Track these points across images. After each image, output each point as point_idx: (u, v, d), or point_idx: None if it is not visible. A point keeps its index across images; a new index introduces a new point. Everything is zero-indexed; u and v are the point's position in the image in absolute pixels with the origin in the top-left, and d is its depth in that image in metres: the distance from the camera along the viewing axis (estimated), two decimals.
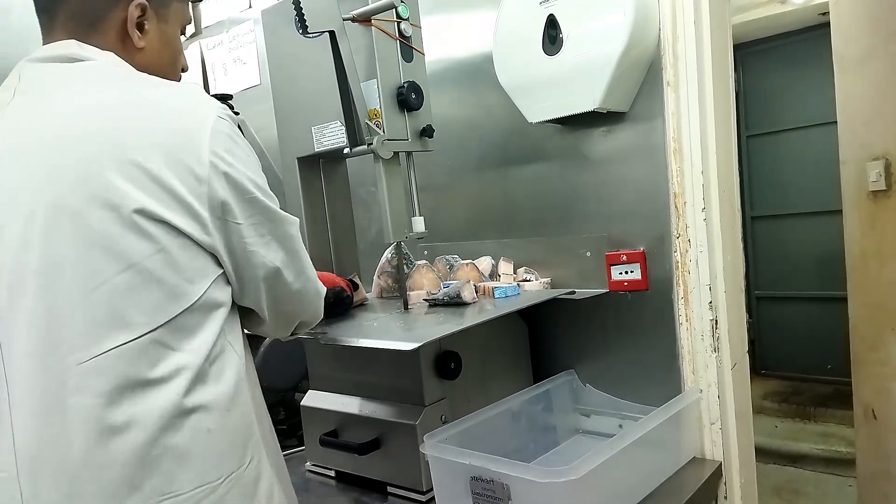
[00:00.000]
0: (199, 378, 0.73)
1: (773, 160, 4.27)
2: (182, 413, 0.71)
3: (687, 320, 1.30)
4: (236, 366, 0.78)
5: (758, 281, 4.43)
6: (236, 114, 1.90)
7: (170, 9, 0.88)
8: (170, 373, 0.71)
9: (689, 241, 1.28)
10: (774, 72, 4.19)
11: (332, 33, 1.16)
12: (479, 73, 1.55)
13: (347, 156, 1.26)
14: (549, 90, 1.33)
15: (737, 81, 4.36)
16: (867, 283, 2.04)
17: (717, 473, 1.27)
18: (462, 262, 1.50)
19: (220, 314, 0.76)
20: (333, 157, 1.45)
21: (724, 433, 1.28)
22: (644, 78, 1.32)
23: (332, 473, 1.39)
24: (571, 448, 1.43)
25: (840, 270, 2.19)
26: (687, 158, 1.26)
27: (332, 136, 1.33)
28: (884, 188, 1.91)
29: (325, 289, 0.96)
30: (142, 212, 0.69)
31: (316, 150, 1.36)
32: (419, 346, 1.02)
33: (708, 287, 1.27)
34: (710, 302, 1.27)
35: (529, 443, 1.38)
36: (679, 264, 1.30)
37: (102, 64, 0.79)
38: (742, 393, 1.33)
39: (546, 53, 1.32)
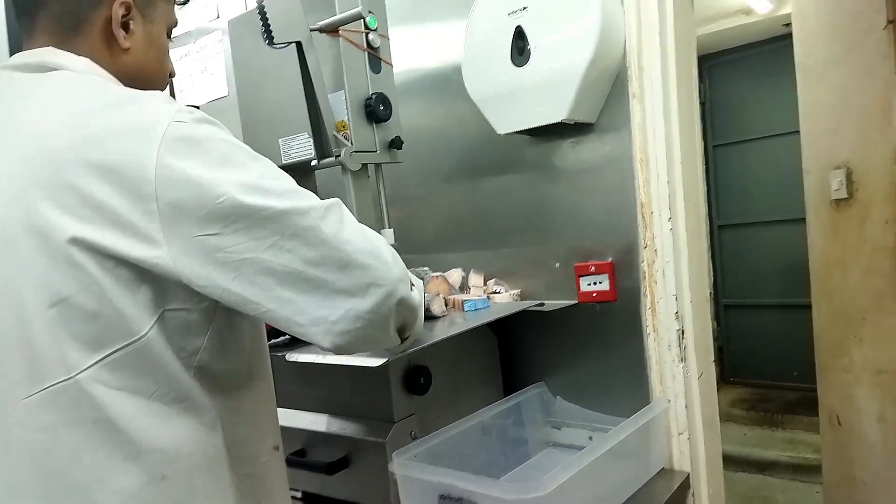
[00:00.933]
0: (150, 421, 0.68)
1: (739, 169, 4.35)
2: (130, 456, 0.67)
3: (654, 331, 1.31)
4: (199, 414, 0.72)
5: (725, 289, 4.50)
6: None
7: (156, 9, 0.84)
8: (116, 414, 0.67)
9: (655, 251, 1.29)
10: (740, 82, 4.28)
11: (298, 44, 1.15)
12: (449, 83, 1.54)
13: (315, 168, 1.25)
14: (517, 101, 1.34)
15: (703, 92, 4.47)
16: (830, 291, 2.08)
17: (685, 484, 1.27)
18: (432, 274, 1.49)
19: (179, 351, 0.70)
20: (302, 170, 1.43)
21: (692, 443, 1.29)
22: (611, 89, 1.33)
23: (300, 494, 1.36)
24: (542, 461, 1.42)
25: (805, 278, 2.23)
26: (653, 169, 1.28)
27: (300, 148, 1.31)
28: (845, 196, 1.96)
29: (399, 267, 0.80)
30: (76, 241, 0.64)
31: (283, 162, 1.34)
32: (385, 363, 1.00)
33: (674, 297, 1.28)
34: (677, 312, 1.28)
35: (500, 457, 1.37)
36: (646, 275, 1.31)
37: (68, 77, 0.75)
38: (709, 402, 1.34)
39: (514, 65, 1.32)
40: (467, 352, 1.39)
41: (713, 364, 1.39)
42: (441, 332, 1.21)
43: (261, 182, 0.70)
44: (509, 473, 1.36)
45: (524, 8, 1.29)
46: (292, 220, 0.70)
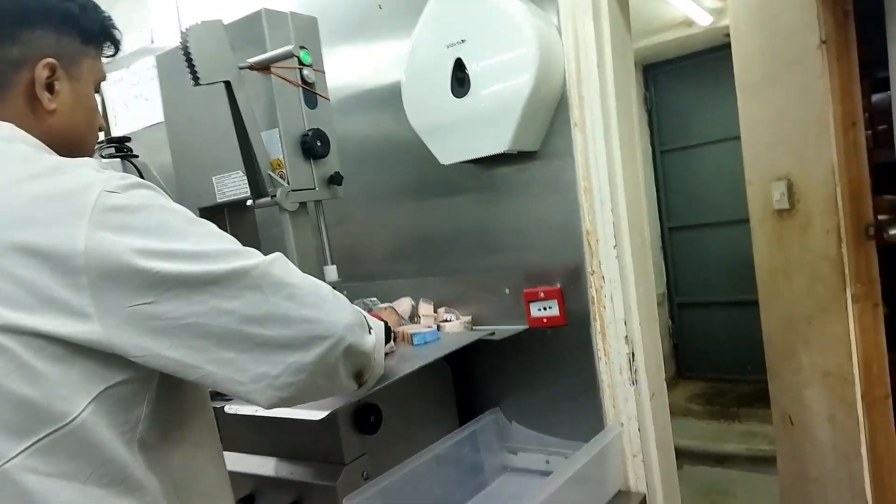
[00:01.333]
0: (85, 503, 0.65)
1: (686, 173, 4.44)
2: None
3: (605, 354, 1.31)
4: (140, 496, 0.69)
5: (677, 288, 4.59)
6: (135, 156, 1.81)
7: (81, 66, 0.81)
8: (50, 496, 0.63)
9: (602, 277, 1.29)
10: (684, 90, 4.37)
11: (227, 83, 1.11)
12: (393, 101, 1.48)
13: (252, 206, 1.21)
14: (459, 132, 1.32)
15: (648, 100, 4.55)
16: (777, 298, 2.13)
17: None
18: (381, 305, 1.46)
19: (120, 426, 0.67)
20: (240, 208, 1.39)
21: (647, 465, 1.30)
22: (554, 115, 1.33)
23: None
24: (500, 488, 1.41)
25: (753, 277, 2.27)
26: (597, 197, 1.28)
27: (235, 186, 1.27)
28: (787, 207, 2.00)
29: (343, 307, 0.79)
30: (1, 328, 0.62)
31: (218, 200, 1.30)
32: (327, 416, 0.97)
33: (623, 322, 1.28)
34: (626, 336, 1.28)
35: (457, 488, 1.35)
36: (595, 300, 1.31)
37: None
38: (662, 423, 1.35)
39: (455, 96, 1.31)
40: (420, 385, 1.37)
41: (664, 384, 1.40)
42: (391, 371, 1.18)
43: (198, 248, 0.68)
44: None
45: (462, 41, 1.28)
46: (233, 282, 0.69)
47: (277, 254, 0.76)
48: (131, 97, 2.24)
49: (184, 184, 1.36)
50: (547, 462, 1.40)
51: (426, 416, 1.40)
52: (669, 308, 4.60)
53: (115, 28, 0.86)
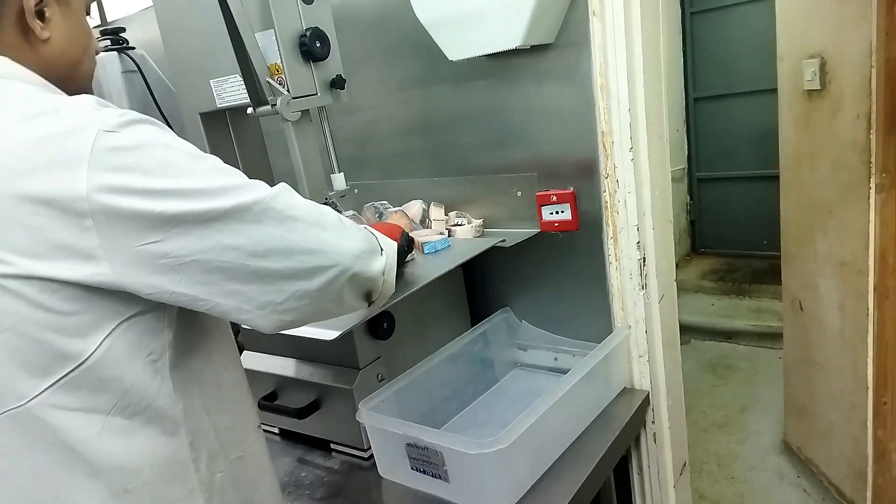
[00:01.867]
0: (108, 438, 0.68)
1: (716, 38, 4.18)
2: (91, 474, 0.68)
3: (616, 259, 1.30)
4: (161, 422, 0.72)
5: (699, 163, 4.48)
6: (132, 48, 1.73)
7: None
8: (72, 436, 0.66)
9: (617, 181, 1.25)
10: None
11: None
12: None
13: (253, 115, 1.16)
14: (468, 26, 1.23)
15: None
16: (799, 183, 2.07)
17: (646, 402, 1.33)
18: (392, 209, 1.44)
19: (147, 356, 0.69)
20: (241, 109, 1.34)
21: (652, 364, 1.33)
22: (570, 5, 1.22)
23: (276, 430, 1.40)
24: (510, 384, 1.47)
25: (777, 148, 2.19)
26: (614, 96, 1.21)
27: (234, 91, 1.21)
28: (818, 88, 1.88)
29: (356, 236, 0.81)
30: (12, 275, 0.62)
31: (218, 105, 1.25)
32: (340, 335, 0.99)
33: (636, 227, 1.26)
34: (638, 242, 1.27)
35: (469, 385, 1.41)
36: (608, 204, 1.28)
37: None
38: (669, 324, 1.37)
39: None
40: (432, 288, 1.37)
41: (674, 283, 1.40)
42: (404, 283, 1.19)
43: (201, 184, 0.67)
44: (478, 400, 1.41)
45: None
46: (235, 217, 0.69)
47: (281, 185, 0.75)
48: None
49: (181, 88, 1.31)
50: (555, 359, 1.45)
51: (439, 317, 1.43)
52: (688, 183, 4.52)
53: None
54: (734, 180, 4.33)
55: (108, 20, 2.16)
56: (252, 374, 1.36)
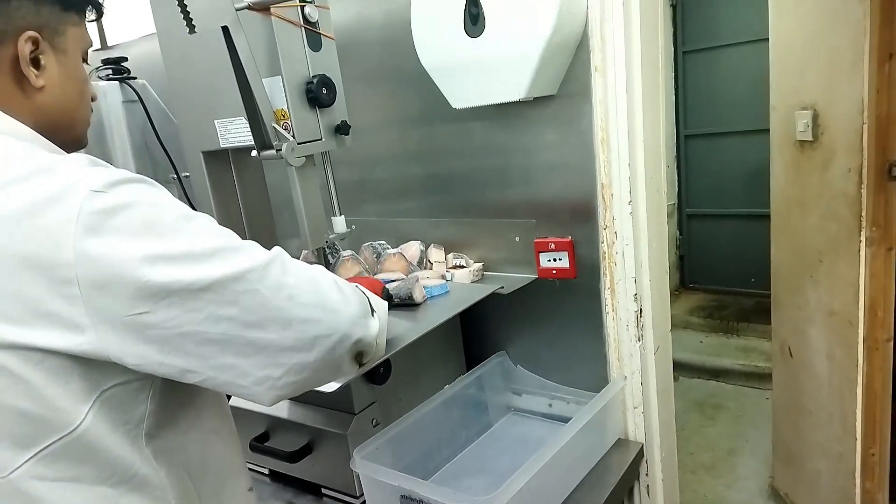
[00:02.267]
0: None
1: (708, 77, 4.25)
2: None
3: (613, 310, 1.31)
4: (148, 490, 0.69)
5: (689, 199, 4.53)
6: (133, 78, 1.73)
7: (66, 36, 0.74)
8: (57, 502, 0.64)
9: (615, 233, 1.26)
10: None
11: (225, 28, 1.03)
12: (404, 36, 1.38)
13: (257, 158, 1.16)
14: (472, 75, 1.25)
15: None
16: (790, 230, 2.10)
17: (640, 454, 1.32)
18: (390, 251, 1.45)
19: (124, 426, 0.67)
20: (244, 149, 1.34)
21: (646, 416, 1.33)
22: (573, 58, 1.24)
23: (266, 472, 1.38)
24: (504, 430, 1.46)
25: (767, 188, 2.21)
26: (615, 150, 1.22)
27: (238, 132, 1.22)
28: (810, 139, 1.92)
29: (353, 298, 0.78)
30: None
31: (221, 146, 1.25)
32: (338, 387, 0.98)
33: (633, 280, 1.27)
34: (636, 294, 1.27)
35: (462, 429, 1.40)
36: (606, 255, 1.29)
37: None
38: (664, 373, 1.37)
39: (468, 34, 1.22)
40: (428, 334, 1.37)
41: (669, 334, 1.41)
42: (400, 335, 1.18)
43: (191, 248, 0.65)
44: (472, 446, 1.40)
45: None
46: (228, 287, 0.66)
47: (276, 250, 0.73)
48: (126, 3, 2.11)
49: (185, 125, 1.31)
50: (550, 406, 1.44)
51: (434, 361, 1.42)
52: (678, 219, 4.57)
53: None
54: (723, 217, 4.38)
55: (109, 44, 2.17)
56: (244, 414, 1.36)
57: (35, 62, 0.71)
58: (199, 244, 0.66)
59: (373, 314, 0.84)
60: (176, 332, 0.64)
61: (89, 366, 0.64)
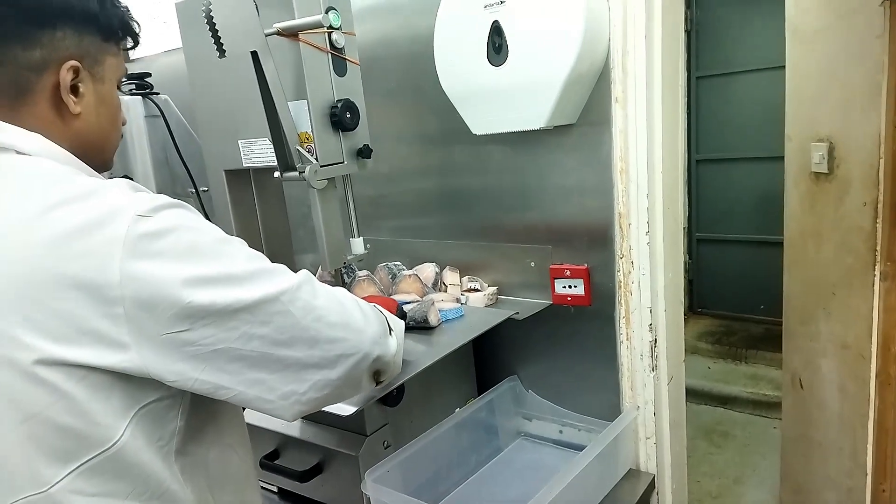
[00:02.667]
0: None
1: (721, 103, 4.26)
2: None
3: (627, 339, 1.31)
4: None
5: (699, 223, 4.53)
6: (156, 94, 1.76)
7: (104, 65, 0.77)
8: None
9: (632, 262, 1.27)
10: (729, 10, 4.10)
11: (254, 53, 1.05)
12: (426, 59, 1.38)
13: (279, 179, 1.18)
14: (494, 103, 1.26)
15: (689, 19, 4.29)
16: (804, 261, 2.09)
17: (651, 486, 1.32)
18: (405, 272, 1.45)
19: (157, 441, 0.69)
20: (266, 168, 1.35)
21: (658, 447, 1.32)
22: (594, 88, 1.26)
23: (275, 489, 1.38)
24: (514, 455, 1.46)
25: (778, 215, 2.21)
26: (633, 180, 1.23)
27: (262, 152, 1.23)
28: (825, 171, 1.92)
29: (372, 315, 0.84)
30: (42, 360, 0.62)
31: (244, 165, 1.27)
32: (354, 412, 0.99)
33: (649, 309, 1.27)
34: (651, 324, 1.27)
35: (472, 453, 1.40)
36: (622, 284, 1.29)
37: (18, 164, 0.69)
38: (676, 404, 1.37)
39: (491, 63, 1.23)
40: (441, 358, 1.38)
41: (682, 364, 1.41)
42: (416, 359, 1.19)
43: (230, 271, 0.69)
44: (481, 470, 1.40)
45: (501, 2, 1.19)
46: (262, 309, 0.70)
47: (304, 274, 0.77)
48: (148, 17, 2.14)
49: (208, 143, 1.32)
50: (560, 432, 1.44)
51: (446, 383, 1.42)
52: (688, 243, 4.56)
53: (134, 20, 0.81)
54: (733, 243, 4.37)
55: (132, 58, 2.20)
56: (255, 430, 1.36)
57: (74, 90, 0.74)
58: (237, 267, 0.70)
59: (391, 333, 0.89)
60: (211, 350, 0.68)
61: (129, 382, 0.66)
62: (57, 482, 0.65)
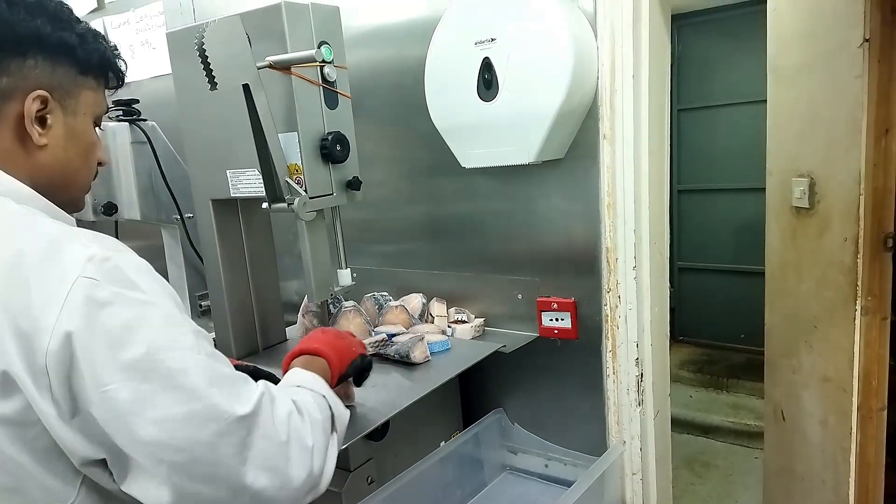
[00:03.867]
0: None
1: (702, 135, 4.33)
2: None
3: (614, 373, 1.31)
4: None
5: (680, 252, 4.57)
6: (143, 120, 1.74)
7: (78, 98, 0.74)
8: None
9: (619, 296, 1.27)
10: (710, 45, 4.20)
11: (245, 86, 1.05)
12: (416, 92, 1.39)
13: (268, 210, 1.17)
14: (483, 138, 1.27)
15: (672, 53, 4.37)
16: (785, 294, 2.12)
17: None
18: (392, 303, 1.45)
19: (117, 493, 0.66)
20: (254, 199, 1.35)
21: (645, 483, 1.32)
22: (581, 124, 1.27)
23: None
24: (500, 489, 1.44)
25: (758, 246, 2.23)
26: (620, 215, 1.24)
27: (250, 183, 1.23)
28: (806, 206, 1.95)
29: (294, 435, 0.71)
30: None
31: (232, 195, 1.26)
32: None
33: (635, 344, 1.27)
34: (637, 358, 1.28)
35: (457, 488, 1.38)
36: (609, 318, 1.30)
37: None
38: (662, 439, 1.37)
39: (481, 98, 1.25)
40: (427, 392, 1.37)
41: (668, 399, 1.41)
42: (402, 397, 1.17)
43: (154, 354, 0.62)
44: None
45: (493, 39, 1.20)
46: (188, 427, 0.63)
47: (257, 402, 0.68)
48: (138, 43, 2.14)
49: (196, 172, 1.32)
50: (546, 466, 1.43)
51: (432, 416, 1.41)
52: (670, 272, 4.60)
53: (119, 58, 0.79)
54: (714, 272, 4.41)
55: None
56: None
57: (41, 121, 0.71)
58: (171, 360, 0.63)
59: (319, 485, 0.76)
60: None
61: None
62: None
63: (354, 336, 1.06)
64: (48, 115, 0.71)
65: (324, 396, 0.81)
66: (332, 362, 0.92)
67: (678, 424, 3.57)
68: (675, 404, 3.63)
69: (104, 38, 0.77)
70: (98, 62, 0.76)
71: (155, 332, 0.62)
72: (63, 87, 0.72)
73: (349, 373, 0.98)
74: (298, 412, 0.73)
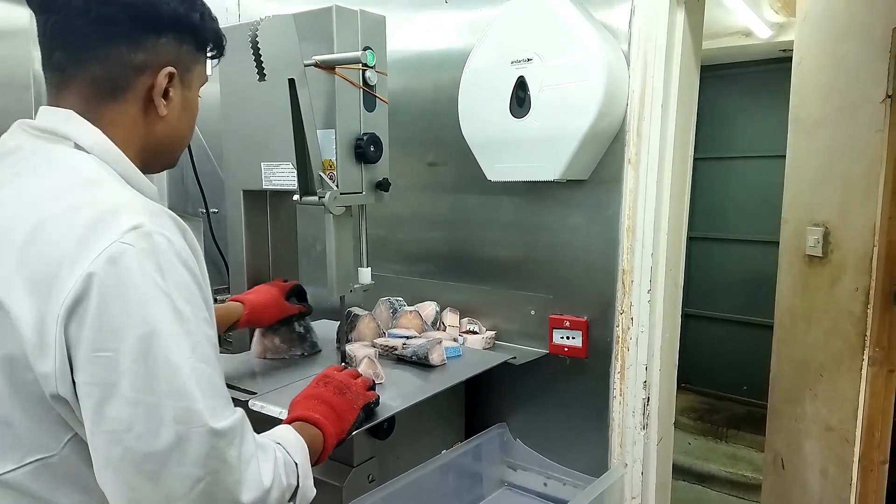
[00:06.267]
0: None
1: (717, 186, 4.37)
2: None
3: (621, 395, 1.32)
4: None
5: (688, 299, 4.56)
6: None
7: (193, 73, 0.81)
8: None
9: (631, 318, 1.29)
10: (730, 98, 4.26)
11: (291, 80, 1.09)
12: (448, 110, 1.44)
13: (297, 203, 1.21)
14: (511, 152, 1.31)
15: None
16: (793, 341, 2.13)
17: None
18: (406, 308, 1.47)
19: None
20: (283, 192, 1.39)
21: None
22: (608, 148, 1.31)
23: None
24: None
25: (767, 298, 2.25)
26: (639, 239, 1.27)
27: (283, 176, 1.27)
28: (820, 255, 1.98)
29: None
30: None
31: (264, 186, 1.30)
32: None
33: (644, 367, 1.29)
34: (645, 381, 1.29)
35: (455, 498, 1.38)
36: (620, 339, 1.31)
37: (61, 158, 0.71)
38: (664, 467, 1.37)
39: (513, 115, 1.29)
40: (433, 396, 1.38)
41: (672, 427, 1.42)
42: (412, 394, 1.19)
43: (162, 349, 0.63)
44: None
45: (528, 59, 1.25)
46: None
47: (234, 420, 0.68)
48: None
49: (230, 162, 1.36)
50: (545, 484, 1.43)
51: (436, 422, 1.42)
52: None
53: (224, 35, 0.85)
54: (721, 322, 4.41)
55: None
56: None
57: (165, 93, 0.77)
58: (173, 350, 0.64)
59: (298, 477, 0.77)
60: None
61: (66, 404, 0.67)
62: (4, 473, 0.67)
63: (360, 376, 1.02)
64: (171, 89, 0.77)
65: (296, 465, 0.78)
66: (329, 433, 0.89)
67: (675, 470, 3.51)
68: (674, 450, 3.61)
69: (213, 15, 0.82)
70: (213, 39, 0.82)
71: (160, 320, 0.64)
72: (184, 62, 0.79)
73: (352, 431, 0.97)
74: (265, 457, 0.72)
